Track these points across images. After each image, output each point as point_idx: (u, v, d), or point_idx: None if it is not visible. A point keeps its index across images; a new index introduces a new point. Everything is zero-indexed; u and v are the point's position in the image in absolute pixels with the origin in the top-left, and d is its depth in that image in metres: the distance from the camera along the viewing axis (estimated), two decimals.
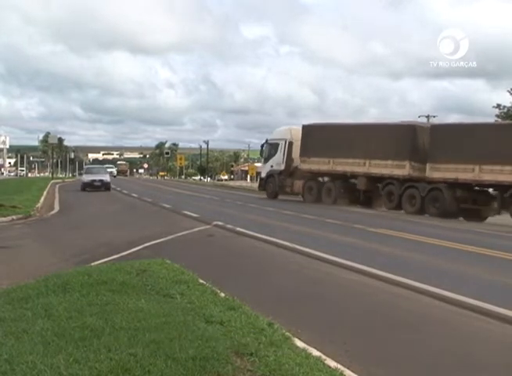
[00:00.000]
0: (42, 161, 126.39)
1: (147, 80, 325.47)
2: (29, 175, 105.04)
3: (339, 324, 6.15)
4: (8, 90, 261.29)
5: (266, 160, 31.88)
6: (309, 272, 9.04)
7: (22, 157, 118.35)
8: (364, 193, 26.62)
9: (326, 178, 28.32)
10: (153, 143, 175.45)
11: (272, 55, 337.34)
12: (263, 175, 32.40)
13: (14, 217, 17.04)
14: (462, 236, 15.06)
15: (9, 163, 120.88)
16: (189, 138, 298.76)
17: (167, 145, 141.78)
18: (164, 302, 5.73)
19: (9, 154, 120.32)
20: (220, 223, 15.22)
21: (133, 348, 4.12)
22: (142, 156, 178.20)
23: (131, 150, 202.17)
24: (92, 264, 8.64)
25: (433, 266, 9.84)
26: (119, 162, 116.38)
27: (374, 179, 25.91)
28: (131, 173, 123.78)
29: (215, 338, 4.55)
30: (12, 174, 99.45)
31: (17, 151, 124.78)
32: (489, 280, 8.73)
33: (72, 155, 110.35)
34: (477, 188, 23.30)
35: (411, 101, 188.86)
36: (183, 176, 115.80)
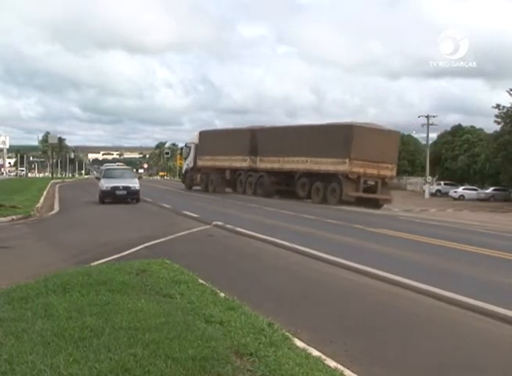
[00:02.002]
0: (42, 161, 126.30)
1: (145, 80, 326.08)
2: (29, 175, 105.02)
3: (339, 324, 6.16)
4: (6, 90, 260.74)
5: (185, 159, 41.48)
6: (308, 272, 9.04)
7: (22, 157, 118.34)
8: (233, 182, 35.38)
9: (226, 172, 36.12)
10: (152, 143, 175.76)
11: (270, 54, 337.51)
12: (183, 171, 42.62)
13: (14, 217, 17.05)
14: (462, 236, 15.07)
15: (9, 163, 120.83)
16: (188, 138, 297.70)
17: (166, 145, 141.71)
18: (164, 302, 5.73)
19: (9, 154, 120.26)
20: (220, 223, 15.22)
21: (133, 348, 4.13)
22: (141, 156, 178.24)
23: (131, 149, 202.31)
24: (92, 264, 8.64)
25: (431, 266, 9.85)
26: (117, 163, 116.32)
27: (234, 171, 34.94)
28: None
29: (215, 337, 4.55)
30: (12, 174, 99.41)
31: (17, 151, 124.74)
32: (489, 279, 8.73)
33: (72, 155, 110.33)
34: (297, 174, 31.18)
35: (410, 101, 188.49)
36: None
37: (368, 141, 27.41)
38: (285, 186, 31.95)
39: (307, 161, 29.77)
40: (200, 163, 37.66)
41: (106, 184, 23.70)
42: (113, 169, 29.00)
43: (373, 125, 30.22)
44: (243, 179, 34.17)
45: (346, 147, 27.51)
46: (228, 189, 35.86)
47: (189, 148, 40.14)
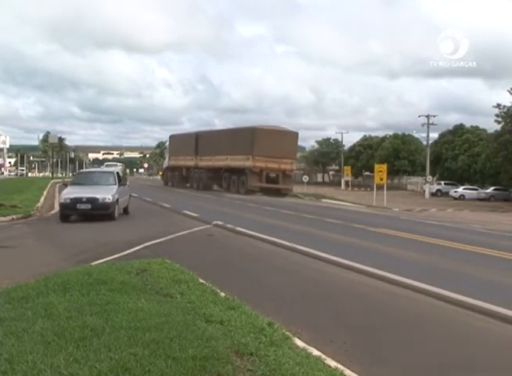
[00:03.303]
0: (42, 161, 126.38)
1: (144, 79, 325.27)
2: (29, 174, 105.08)
3: (339, 324, 6.16)
4: (4, 89, 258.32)
5: (164, 159, 50.30)
6: (308, 272, 9.04)
7: (22, 157, 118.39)
8: (187, 178, 42.43)
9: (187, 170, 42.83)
10: (152, 143, 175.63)
11: (269, 54, 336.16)
12: (162, 170, 52.27)
13: (14, 216, 17.03)
14: (462, 236, 15.08)
15: (9, 162, 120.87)
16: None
17: (166, 144, 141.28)
18: (164, 302, 5.74)
19: (9, 154, 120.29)
20: (220, 223, 15.22)
21: (133, 348, 4.13)
22: (142, 155, 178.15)
23: (132, 149, 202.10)
24: (92, 263, 8.64)
25: (431, 265, 9.85)
26: (119, 164, 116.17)
27: (188, 169, 41.90)
28: (131, 173, 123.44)
29: (215, 337, 4.56)
30: (13, 173, 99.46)
31: (17, 151, 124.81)
32: (489, 279, 8.73)
33: (72, 155, 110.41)
34: (222, 170, 37.52)
35: (410, 100, 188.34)
36: None
37: (269, 141, 33.66)
38: (218, 180, 38.44)
39: (227, 159, 36.32)
40: (170, 163, 45.63)
41: (66, 195, 16.99)
42: (88, 172, 23.31)
43: (275, 127, 36.69)
44: (192, 176, 41.28)
45: (250, 146, 34.13)
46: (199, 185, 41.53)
47: (166, 150, 49.27)
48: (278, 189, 35.12)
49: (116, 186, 17.87)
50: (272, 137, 34.10)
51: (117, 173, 19.10)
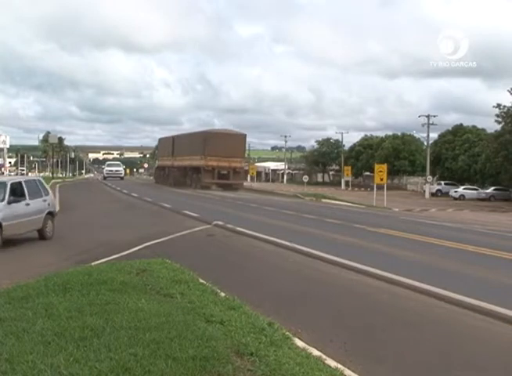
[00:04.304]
0: (43, 161, 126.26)
1: (143, 79, 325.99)
2: (29, 174, 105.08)
3: (339, 324, 6.16)
4: (3, 89, 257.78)
5: (156, 160, 61.83)
6: (308, 272, 9.04)
7: (22, 157, 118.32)
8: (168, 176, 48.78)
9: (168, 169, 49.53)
10: (152, 143, 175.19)
11: (268, 54, 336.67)
12: (154, 169, 63.39)
13: None
14: (463, 236, 15.08)
15: (9, 162, 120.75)
16: None
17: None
18: (165, 302, 5.73)
19: (9, 154, 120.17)
20: (220, 223, 15.22)
21: (133, 348, 4.13)
22: (142, 155, 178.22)
23: (132, 149, 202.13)
24: (93, 263, 8.64)
25: (431, 265, 9.85)
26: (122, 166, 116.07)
27: (168, 168, 48.44)
28: (131, 173, 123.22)
29: (215, 337, 4.55)
30: (13, 174, 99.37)
31: (17, 151, 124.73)
32: (489, 279, 8.73)
33: (72, 155, 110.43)
34: (187, 168, 43.97)
35: (409, 100, 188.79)
36: None
37: (220, 142, 39.05)
38: (185, 177, 43.81)
39: (189, 159, 42.56)
40: (158, 163, 53.82)
41: None
42: None
43: (225, 130, 43.50)
44: (169, 173, 47.64)
45: (203, 147, 39.71)
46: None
47: (157, 151, 58.93)
48: (229, 184, 40.39)
49: (2, 204, 11.42)
50: (222, 139, 39.61)
51: (16, 184, 12.27)
